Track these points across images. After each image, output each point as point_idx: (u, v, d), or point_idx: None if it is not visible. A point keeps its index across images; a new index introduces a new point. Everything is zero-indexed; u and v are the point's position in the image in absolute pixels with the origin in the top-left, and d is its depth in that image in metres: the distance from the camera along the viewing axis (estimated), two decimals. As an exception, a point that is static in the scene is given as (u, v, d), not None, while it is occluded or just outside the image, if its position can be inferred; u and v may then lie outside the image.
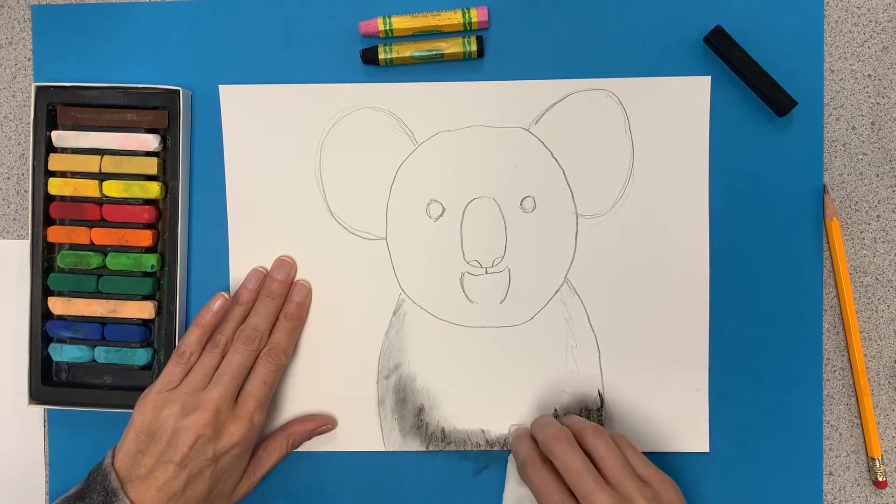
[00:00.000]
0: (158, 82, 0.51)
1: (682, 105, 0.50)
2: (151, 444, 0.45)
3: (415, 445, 0.51)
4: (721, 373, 0.51)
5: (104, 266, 0.51)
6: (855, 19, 0.51)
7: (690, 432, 0.51)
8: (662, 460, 0.50)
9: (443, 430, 0.51)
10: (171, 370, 0.47)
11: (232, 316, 0.49)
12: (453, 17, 0.50)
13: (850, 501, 0.51)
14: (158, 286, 0.51)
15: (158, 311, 0.51)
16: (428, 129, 0.51)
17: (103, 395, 0.51)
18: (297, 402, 0.52)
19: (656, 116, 0.50)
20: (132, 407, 0.47)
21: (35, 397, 0.51)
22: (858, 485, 0.51)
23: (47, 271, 0.51)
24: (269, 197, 0.51)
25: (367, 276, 0.51)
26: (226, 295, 0.49)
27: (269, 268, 0.51)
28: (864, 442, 0.51)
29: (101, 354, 0.51)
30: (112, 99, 0.50)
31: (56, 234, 0.50)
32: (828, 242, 0.51)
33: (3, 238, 0.53)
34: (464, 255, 0.51)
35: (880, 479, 0.50)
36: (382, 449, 0.51)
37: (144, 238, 0.50)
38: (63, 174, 0.50)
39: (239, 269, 0.51)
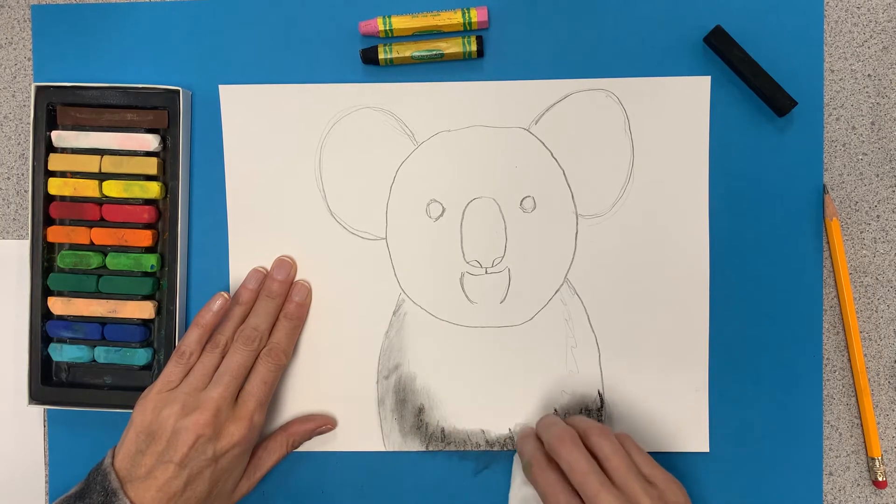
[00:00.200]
0: (158, 82, 0.51)
1: (682, 105, 0.50)
2: (151, 444, 0.45)
3: (415, 445, 0.51)
4: (721, 373, 0.51)
5: (104, 266, 0.51)
6: (855, 19, 0.51)
7: (690, 432, 0.51)
8: (662, 460, 0.50)
9: (443, 430, 0.51)
10: (171, 370, 0.47)
11: (232, 316, 0.49)
12: (453, 17, 0.50)
13: (850, 501, 0.51)
14: (158, 286, 0.51)
15: (158, 311, 0.51)
16: (428, 129, 0.51)
17: (103, 395, 0.51)
18: (297, 402, 0.52)
19: (656, 116, 0.50)
20: (132, 407, 0.47)
21: (35, 397, 0.51)
22: (858, 485, 0.51)
23: (47, 271, 0.51)
24: (269, 197, 0.51)
25: (367, 276, 0.51)
26: (226, 295, 0.49)
27: (269, 268, 0.51)
28: (864, 442, 0.51)
29: (101, 354, 0.51)
30: (112, 99, 0.50)
31: (56, 234, 0.50)
32: (828, 242, 0.51)
33: (3, 238, 0.53)
34: (464, 255, 0.51)
35: (880, 479, 0.50)
36: (382, 449, 0.51)
37: (144, 238, 0.50)
38: (63, 174, 0.50)
39: (239, 269, 0.51)
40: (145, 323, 0.51)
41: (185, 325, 0.51)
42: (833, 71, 0.51)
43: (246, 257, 0.51)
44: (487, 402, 0.51)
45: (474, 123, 0.51)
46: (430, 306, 0.51)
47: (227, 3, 0.51)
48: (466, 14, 0.50)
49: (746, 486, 0.51)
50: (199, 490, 0.45)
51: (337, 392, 0.51)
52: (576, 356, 0.51)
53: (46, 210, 0.50)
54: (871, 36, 0.51)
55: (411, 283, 0.51)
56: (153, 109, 0.50)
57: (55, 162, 0.50)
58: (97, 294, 0.51)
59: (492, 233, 0.51)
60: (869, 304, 0.51)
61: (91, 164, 0.50)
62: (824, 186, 0.51)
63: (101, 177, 0.50)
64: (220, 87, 0.51)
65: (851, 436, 0.51)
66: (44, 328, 0.51)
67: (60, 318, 0.51)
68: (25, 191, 0.53)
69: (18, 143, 0.53)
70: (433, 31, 0.50)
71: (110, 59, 0.52)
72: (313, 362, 0.51)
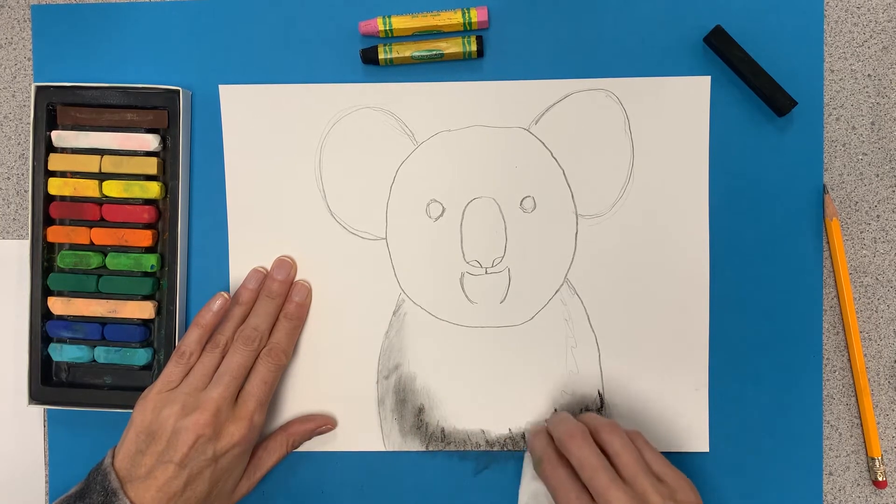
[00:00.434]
0: (158, 82, 0.51)
1: (682, 105, 0.50)
2: (151, 444, 0.45)
3: (415, 445, 0.51)
4: (721, 373, 0.51)
5: (104, 266, 0.51)
6: (855, 19, 0.51)
7: (690, 432, 0.51)
8: (662, 460, 0.50)
9: (443, 430, 0.51)
10: (171, 370, 0.47)
11: (232, 316, 0.49)
12: (453, 17, 0.50)
13: (850, 501, 0.51)
14: (158, 286, 0.51)
15: (158, 311, 0.51)
16: (428, 129, 0.51)
17: (103, 395, 0.51)
18: (297, 402, 0.52)
19: (656, 116, 0.50)
20: (132, 407, 0.47)
21: (35, 397, 0.51)
22: (858, 485, 0.51)
23: (47, 271, 0.51)
24: (269, 197, 0.51)
25: (367, 276, 0.51)
26: (226, 295, 0.49)
27: (269, 268, 0.51)
28: (864, 442, 0.51)
29: (101, 354, 0.51)
30: (112, 99, 0.50)
31: (56, 234, 0.50)
32: (828, 242, 0.51)
33: (3, 238, 0.53)
34: (464, 255, 0.51)
35: (880, 479, 0.50)
36: (382, 449, 0.51)
37: (144, 238, 0.50)
38: (63, 174, 0.50)
39: (239, 269, 0.51)
40: (145, 323, 0.51)
41: (185, 325, 0.51)
42: (833, 71, 0.51)
43: (246, 257, 0.51)
44: (487, 402, 0.51)
45: (474, 123, 0.51)
46: (430, 306, 0.51)
47: (227, 3, 0.51)
48: (466, 14, 0.50)
49: (746, 486, 0.51)
50: (199, 490, 0.45)
51: (337, 392, 0.51)
52: (576, 356, 0.51)
53: (46, 210, 0.50)
54: (871, 36, 0.51)
55: (411, 283, 0.51)
56: (153, 109, 0.50)
57: (55, 162, 0.50)
58: (97, 294, 0.51)
59: (492, 233, 0.51)
60: (869, 304, 0.51)
61: (91, 164, 0.50)
62: (824, 186, 0.51)
63: (101, 177, 0.50)
64: (220, 87, 0.51)
65: (851, 436, 0.51)
66: (44, 328, 0.51)
67: (60, 318, 0.51)
68: (25, 191, 0.53)
69: (18, 143, 0.53)
70: (433, 31, 0.50)
71: (110, 59, 0.52)
72: (313, 362, 0.51)
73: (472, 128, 0.51)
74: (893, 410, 0.51)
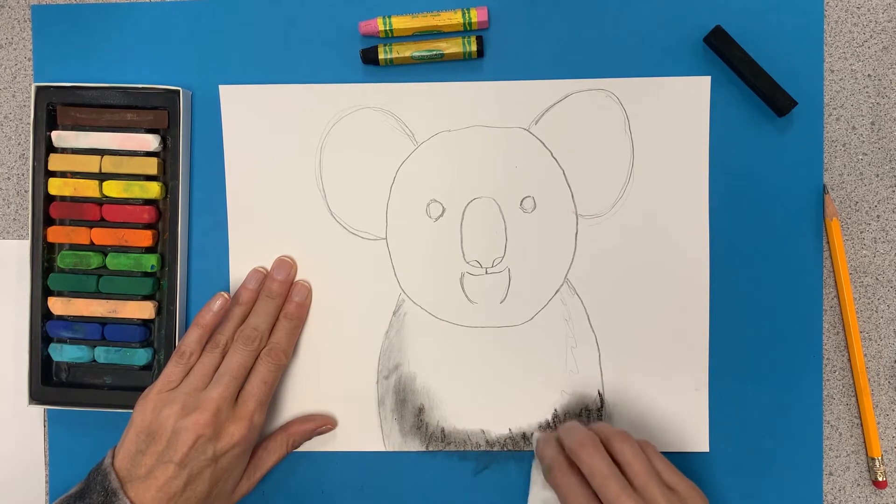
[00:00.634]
0: (158, 82, 0.51)
1: (682, 105, 0.50)
2: (151, 444, 0.45)
3: (415, 446, 0.51)
4: (721, 373, 0.51)
5: (104, 266, 0.51)
6: (855, 19, 0.51)
7: (690, 432, 0.51)
8: (662, 460, 0.50)
9: (443, 431, 0.51)
10: (171, 370, 0.47)
11: (232, 316, 0.49)
12: (453, 18, 0.50)
13: (850, 501, 0.51)
14: (158, 286, 0.51)
15: (158, 311, 0.51)
16: (428, 129, 0.51)
17: (103, 395, 0.51)
18: (297, 402, 0.52)
19: (656, 116, 0.50)
20: (132, 407, 0.47)
21: (35, 397, 0.51)
22: (858, 485, 0.51)
23: (47, 271, 0.51)
24: (269, 197, 0.51)
25: (367, 276, 0.51)
26: (226, 295, 0.49)
27: (269, 268, 0.51)
28: (864, 442, 0.51)
29: (101, 354, 0.51)
30: (112, 99, 0.50)
31: (56, 234, 0.50)
32: (828, 242, 0.51)
33: (3, 238, 0.53)
34: (464, 255, 0.51)
35: (880, 479, 0.50)
36: (382, 449, 0.51)
37: (144, 238, 0.50)
38: (63, 174, 0.50)
39: (239, 269, 0.51)
40: (145, 323, 0.51)
41: (185, 325, 0.51)
42: (833, 71, 0.51)
43: (246, 257, 0.51)
44: (487, 402, 0.51)
45: (474, 123, 0.51)
46: (430, 306, 0.51)
47: (227, 3, 0.51)
48: (466, 14, 0.50)
49: (746, 486, 0.51)
50: (199, 490, 0.45)
51: (337, 392, 0.51)
52: (576, 356, 0.51)
53: (46, 210, 0.50)
54: (871, 36, 0.51)
55: (411, 283, 0.51)
56: (153, 109, 0.50)
57: (55, 162, 0.50)
58: (97, 294, 0.51)
59: (492, 233, 0.51)
60: (869, 304, 0.51)
61: (91, 164, 0.50)
62: (824, 186, 0.51)
63: (101, 177, 0.50)
64: (220, 87, 0.51)
65: (851, 436, 0.51)
66: (44, 328, 0.51)
67: (60, 318, 0.51)
68: (25, 191, 0.53)
69: (18, 143, 0.53)
70: (433, 32, 0.50)
71: (110, 59, 0.52)
72: (313, 362, 0.51)
73: (472, 128, 0.51)
74: (893, 410, 0.51)
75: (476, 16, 0.50)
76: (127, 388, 0.51)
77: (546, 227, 0.51)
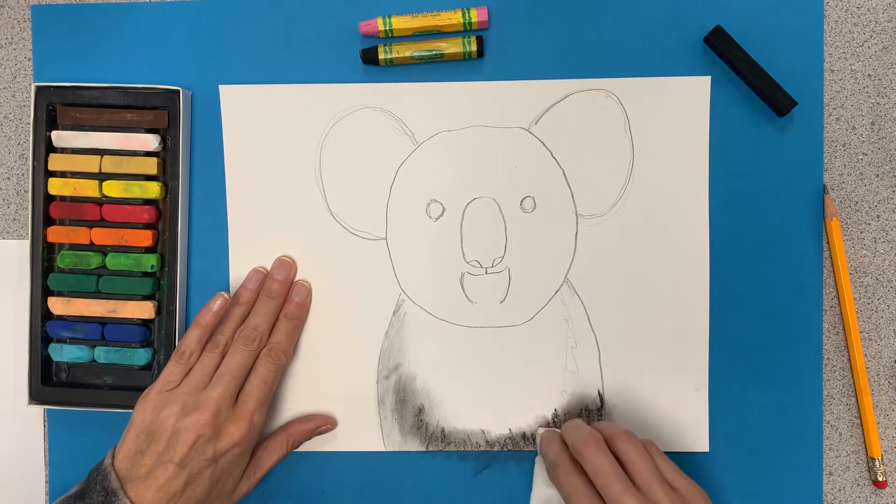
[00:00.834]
0: (158, 82, 0.51)
1: (682, 105, 0.50)
2: (151, 444, 0.45)
3: (415, 446, 0.51)
4: (721, 373, 0.51)
5: (104, 266, 0.51)
6: (855, 19, 0.51)
7: (690, 432, 0.51)
8: (662, 460, 0.50)
9: (443, 431, 0.51)
10: (171, 370, 0.47)
11: (232, 316, 0.49)
12: (453, 17, 0.50)
13: (850, 501, 0.51)
14: (158, 286, 0.51)
15: (158, 311, 0.51)
16: (428, 129, 0.51)
17: (103, 395, 0.51)
18: (297, 402, 0.52)
19: (656, 116, 0.50)
20: (132, 407, 0.47)
21: (35, 397, 0.51)
22: (858, 485, 0.51)
23: (47, 271, 0.51)
24: (269, 197, 0.51)
25: (367, 276, 0.51)
26: (226, 295, 0.49)
27: (269, 268, 0.51)
28: (864, 442, 0.51)
29: (101, 354, 0.51)
30: (112, 99, 0.50)
31: (56, 234, 0.50)
32: (828, 242, 0.51)
33: (3, 238, 0.53)
34: (464, 255, 0.51)
35: (880, 479, 0.50)
36: (382, 449, 0.51)
37: (144, 238, 0.50)
38: (63, 174, 0.50)
39: (239, 269, 0.51)
40: (145, 323, 0.51)
41: (185, 325, 0.51)
42: (833, 71, 0.51)
43: (246, 257, 0.51)
44: (487, 402, 0.51)
45: (474, 123, 0.51)
46: (430, 306, 0.51)
47: (227, 3, 0.51)
48: (466, 14, 0.50)
49: (746, 486, 0.51)
50: (199, 490, 0.45)
51: (337, 392, 0.51)
52: (576, 356, 0.51)
53: (46, 210, 0.50)
54: (871, 36, 0.51)
55: (411, 283, 0.51)
56: (153, 109, 0.50)
57: (55, 162, 0.50)
58: (97, 294, 0.51)
59: (492, 233, 0.51)
60: (869, 304, 0.51)
61: (91, 164, 0.50)
62: (824, 186, 0.51)
63: (101, 177, 0.50)
64: (220, 87, 0.51)
65: (851, 436, 0.51)
66: (44, 328, 0.51)
67: (60, 318, 0.51)
68: (25, 191, 0.53)
69: (18, 143, 0.53)
70: (433, 31, 0.50)
71: (110, 59, 0.52)
72: (313, 362, 0.51)
73: (472, 128, 0.51)
74: (893, 410, 0.51)
75: (476, 16, 0.50)
76: (127, 388, 0.51)
77: (546, 227, 0.51)
